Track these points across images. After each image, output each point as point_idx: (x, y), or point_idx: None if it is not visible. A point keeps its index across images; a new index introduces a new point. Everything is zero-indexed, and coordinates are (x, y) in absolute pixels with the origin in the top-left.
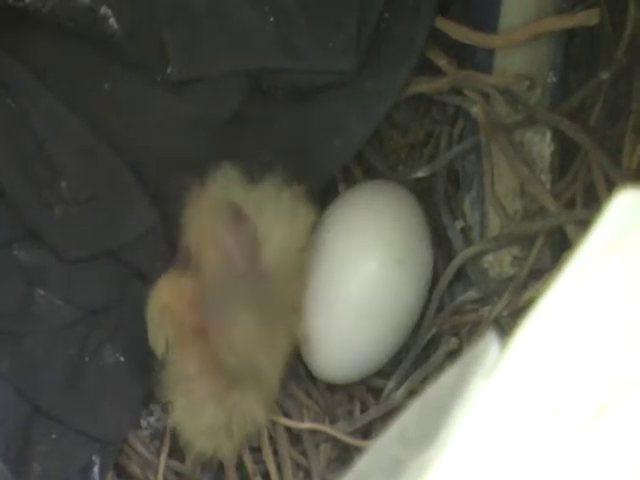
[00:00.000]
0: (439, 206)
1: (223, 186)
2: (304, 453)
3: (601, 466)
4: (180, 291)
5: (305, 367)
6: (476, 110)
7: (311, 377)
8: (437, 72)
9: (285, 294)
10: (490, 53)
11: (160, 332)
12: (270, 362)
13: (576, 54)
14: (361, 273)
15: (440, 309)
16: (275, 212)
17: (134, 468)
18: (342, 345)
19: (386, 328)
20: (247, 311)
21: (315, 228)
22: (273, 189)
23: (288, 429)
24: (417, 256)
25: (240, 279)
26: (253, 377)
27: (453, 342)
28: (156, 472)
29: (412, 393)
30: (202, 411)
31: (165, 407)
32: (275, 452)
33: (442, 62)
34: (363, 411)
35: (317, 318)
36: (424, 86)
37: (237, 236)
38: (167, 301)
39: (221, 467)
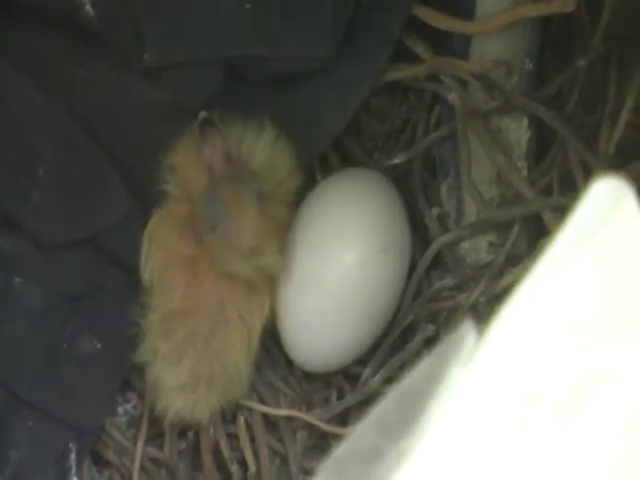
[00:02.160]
0: (416, 193)
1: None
2: (281, 440)
3: (578, 455)
4: (174, 221)
5: (282, 354)
6: (453, 97)
7: (288, 364)
8: (414, 59)
9: (277, 207)
10: (467, 40)
11: (149, 259)
12: (276, 258)
13: (552, 41)
14: (341, 261)
15: (417, 296)
16: (256, 137)
17: (111, 455)
18: (321, 333)
19: (365, 316)
20: (245, 202)
21: (294, 217)
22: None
23: (265, 416)
24: (397, 243)
25: (228, 179)
26: (261, 273)
27: (430, 329)
28: (133, 459)
29: (389, 380)
30: (182, 356)
31: (142, 394)
32: (252, 439)
33: (419, 49)
34: (340, 398)
35: (296, 306)
36: (401, 73)
37: (210, 143)
38: (160, 229)
39: (198, 453)
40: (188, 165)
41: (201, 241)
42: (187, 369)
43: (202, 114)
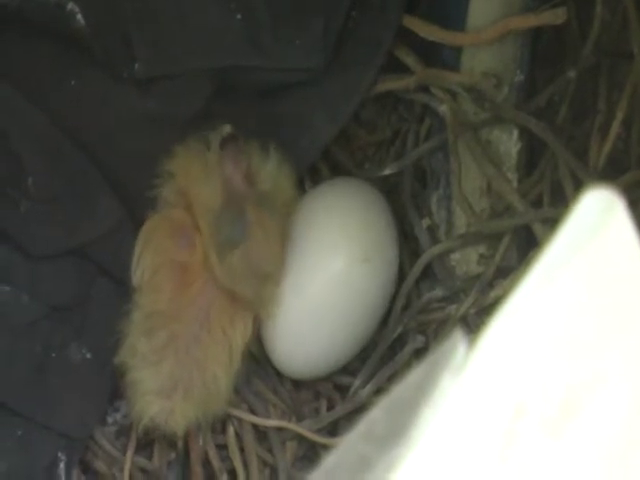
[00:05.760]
0: (406, 204)
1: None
2: (270, 450)
3: (567, 467)
4: (168, 226)
5: (271, 364)
6: (443, 108)
7: (277, 374)
8: (404, 70)
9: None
10: (457, 51)
11: (141, 260)
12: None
13: (543, 52)
14: (327, 270)
15: (407, 307)
16: (262, 157)
17: (100, 465)
18: (308, 342)
19: (352, 325)
20: (270, 226)
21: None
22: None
23: (254, 426)
24: (383, 254)
25: (252, 200)
26: (260, 300)
27: (420, 340)
28: (122, 469)
29: (378, 391)
30: (162, 358)
31: (128, 403)
32: (241, 449)
33: (409, 60)
34: (329, 409)
35: (283, 315)
36: (391, 84)
37: (234, 160)
38: (154, 232)
39: (187, 463)
40: (189, 173)
41: (195, 250)
42: (166, 372)
43: (227, 128)
